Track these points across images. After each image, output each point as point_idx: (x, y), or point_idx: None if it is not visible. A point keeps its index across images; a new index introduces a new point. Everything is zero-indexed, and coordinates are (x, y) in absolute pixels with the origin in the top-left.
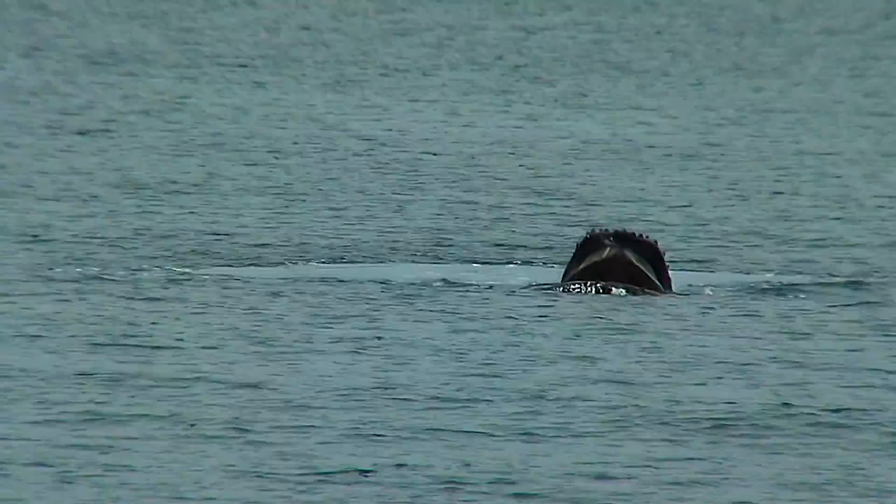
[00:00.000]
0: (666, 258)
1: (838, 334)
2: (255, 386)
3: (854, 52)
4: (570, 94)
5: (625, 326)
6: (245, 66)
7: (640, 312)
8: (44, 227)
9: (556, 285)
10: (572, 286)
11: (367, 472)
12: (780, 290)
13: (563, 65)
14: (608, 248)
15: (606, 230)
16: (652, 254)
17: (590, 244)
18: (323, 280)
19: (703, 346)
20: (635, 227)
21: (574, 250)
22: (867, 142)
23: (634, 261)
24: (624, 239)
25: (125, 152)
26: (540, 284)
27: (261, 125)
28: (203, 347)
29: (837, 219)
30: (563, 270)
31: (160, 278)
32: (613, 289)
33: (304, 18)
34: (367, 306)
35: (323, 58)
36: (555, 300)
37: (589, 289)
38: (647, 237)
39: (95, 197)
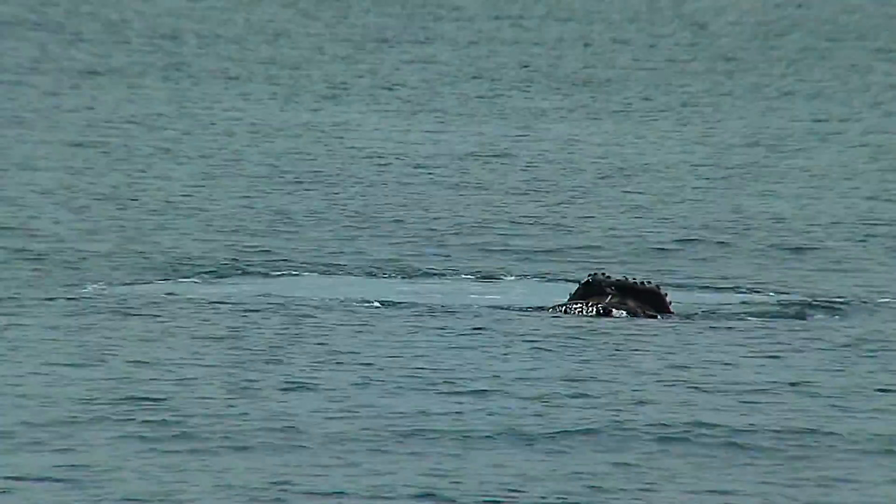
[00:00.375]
0: (668, 299)
1: (826, 352)
2: (246, 399)
3: (853, 63)
4: (566, 106)
5: (617, 347)
6: (237, 77)
7: (633, 333)
8: (25, 240)
9: (558, 305)
10: (573, 305)
11: (355, 486)
12: (774, 310)
13: (559, 77)
14: (609, 297)
15: (609, 277)
16: (654, 299)
17: (591, 289)
18: (310, 293)
19: (690, 366)
20: (636, 273)
21: (575, 290)
22: (867, 159)
23: (636, 308)
24: (625, 289)
25: (115, 163)
26: (540, 304)
27: (253, 137)
28: (186, 362)
29: (831, 236)
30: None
31: (143, 292)
32: (614, 310)
33: (300, 28)
34: (358, 321)
35: (316, 70)
36: (553, 320)
37: (590, 309)
38: (649, 283)
39: (86, 208)
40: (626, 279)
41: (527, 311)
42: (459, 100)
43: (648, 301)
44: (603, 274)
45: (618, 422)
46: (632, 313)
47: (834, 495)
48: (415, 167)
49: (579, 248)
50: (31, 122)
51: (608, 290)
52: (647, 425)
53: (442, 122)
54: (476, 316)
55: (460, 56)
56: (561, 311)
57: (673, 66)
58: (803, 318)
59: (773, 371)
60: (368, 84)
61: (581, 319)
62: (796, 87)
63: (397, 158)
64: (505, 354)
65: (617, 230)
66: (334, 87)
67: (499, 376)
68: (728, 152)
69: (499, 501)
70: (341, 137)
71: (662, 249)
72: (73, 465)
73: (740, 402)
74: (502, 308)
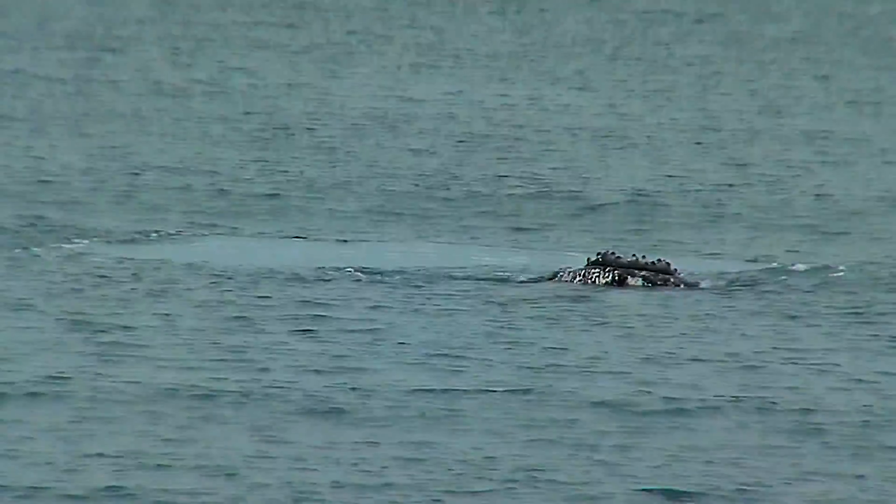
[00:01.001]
0: (680, 274)
1: (825, 320)
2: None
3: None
4: (567, 74)
5: (611, 317)
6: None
7: (647, 303)
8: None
9: (577, 271)
10: (592, 271)
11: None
12: (785, 281)
13: (566, 48)
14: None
15: (619, 257)
16: (664, 272)
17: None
18: (299, 258)
19: (688, 338)
20: (639, 243)
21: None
22: (868, 122)
23: (651, 276)
24: (634, 268)
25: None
26: (553, 271)
27: (250, 99)
28: (169, 325)
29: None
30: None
31: (121, 253)
32: (630, 278)
33: None
34: (371, 292)
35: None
36: (568, 286)
37: (606, 276)
38: (659, 261)
39: (81, 168)
40: (637, 259)
41: (542, 277)
42: (463, 62)
43: (659, 274)
44: (612, 253)
45: (621, 393)
46: (647, 281)
47: (828, 467)
48: (407, 132)
49: (578, 214)
50: (34, 84)
51: (618, 269)
52: (622, 401)
53: (451, 90)
54: (484, 282)
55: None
56: (579, 276)
57: (683, 37)
58: (804, 287)
59: (779, 342)
60: (366, 44)
61: (596, 287)
62: (801, 64)
63: (387, 122)
64: (514, 321)
65: (617, 196)
66: (336, 47)
67: (498, 343)
68: (726, 117)
69: (480, 471)
70: (343, 97)
71: (661, 216)
72: (61, 422)
73: (746, 373)
74: (513, 275)
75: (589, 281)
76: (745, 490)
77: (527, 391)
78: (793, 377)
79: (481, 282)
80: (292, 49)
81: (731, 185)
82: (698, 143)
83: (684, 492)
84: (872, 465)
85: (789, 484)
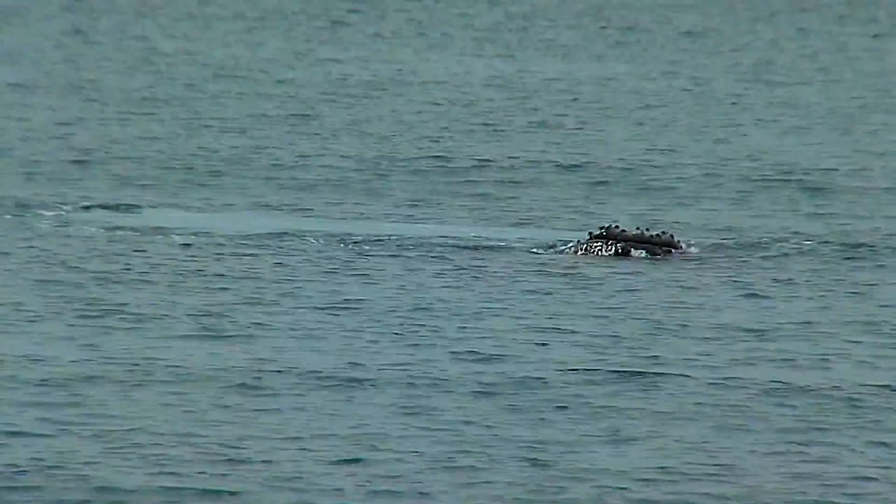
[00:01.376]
0: (683, 246)
1: (815, 297)
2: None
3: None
4: (562, 41)
5: (609, 287)
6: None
7: (650, 274)
8: None
9: (579, 242)
10: (594, 244)
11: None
12: (784, 252)
13: (562, 19)
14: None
15: (623, 230)
16: (668, 245)
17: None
18: (290, 232)
19: (677, 309)
20: (650, 224)
21: (586, 239)
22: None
23: (655, 248)
24: (639, 241)
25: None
26: (554, 244)
27: (267, 70)
28: (161, 302)
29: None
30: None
31: (109, 220)
32: (633, 250)
33: None
34: (363, 262)
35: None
36: (573, 259)
37: (609, 248)
38: (664, 234)
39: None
40: (641, 232)
41: (543, 250)
42: (458, 33)
43: (663, 247)
44: (616, 226)
45: (604, 360)
46: (651, 253)
47: (807, 445)
48: (399, 103)
49: (576, 187)
50: (25, 53)
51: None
52: (620, 365)
53: (448, 61)
54: (481, 254)
55: None
56: (581, 249)
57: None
58: (802, 258)
59: (773, 314)
60: (360, 16)
61: (597, 259)
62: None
63: (378, 93)
64: (509, 291)
65: (615, 167)
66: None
67: (492, 313)
68: (720, 87)
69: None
70: (336, 68)
71: (659, 187)
72: (50, 397)
73: (738, 345)
74: (511, 247)
75: (591, 254)
76: (718, 459)
77: (514, 359)
78: (779, 349)
79: (478, 253)
80: (289, 21)
81: (726, 156)
82: (693, 114)
83: (665, 466)
84: (848, 437)
85: (765, 454)
